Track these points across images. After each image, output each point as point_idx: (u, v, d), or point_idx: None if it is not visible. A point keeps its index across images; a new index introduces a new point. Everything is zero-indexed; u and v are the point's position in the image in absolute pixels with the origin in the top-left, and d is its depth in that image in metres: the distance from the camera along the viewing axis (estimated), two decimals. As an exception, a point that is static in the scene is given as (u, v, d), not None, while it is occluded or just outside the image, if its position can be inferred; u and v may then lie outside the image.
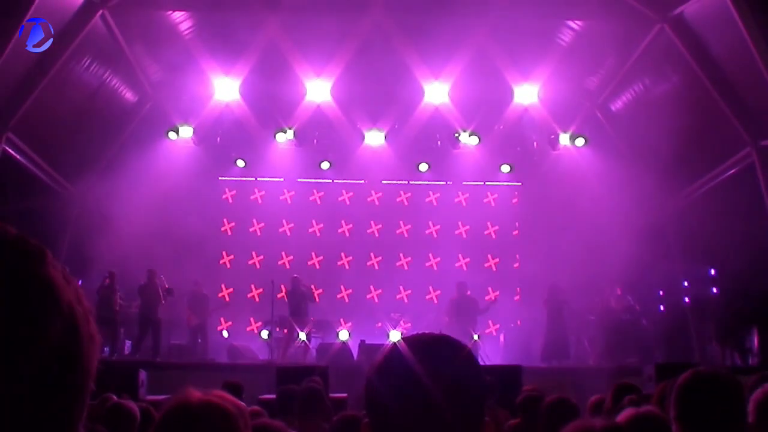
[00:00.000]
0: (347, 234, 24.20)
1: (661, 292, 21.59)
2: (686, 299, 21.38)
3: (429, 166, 23.30)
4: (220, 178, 23.83)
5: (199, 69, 20.93)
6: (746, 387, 4.30)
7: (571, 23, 20.45)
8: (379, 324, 21.02)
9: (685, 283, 21.47)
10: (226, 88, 21.51)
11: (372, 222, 24.31)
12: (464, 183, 24.06)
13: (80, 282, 1.22)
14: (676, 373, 3.94)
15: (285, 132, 22.03)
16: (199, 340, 20.28)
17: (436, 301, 22.85)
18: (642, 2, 18.28)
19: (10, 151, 17.57)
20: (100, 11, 17.85)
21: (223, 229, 23.85)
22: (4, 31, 15.20)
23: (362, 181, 23.95)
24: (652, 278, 20.55)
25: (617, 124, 22.45)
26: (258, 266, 23.69)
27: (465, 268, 23.74)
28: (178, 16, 20.04)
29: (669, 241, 21.26)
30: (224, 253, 23.70)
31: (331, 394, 12.15)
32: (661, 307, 21.67)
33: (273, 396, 12.40)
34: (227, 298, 22.82)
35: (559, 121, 22.34)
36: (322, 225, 24.17)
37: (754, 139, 17.84)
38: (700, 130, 19.51)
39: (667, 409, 3.93)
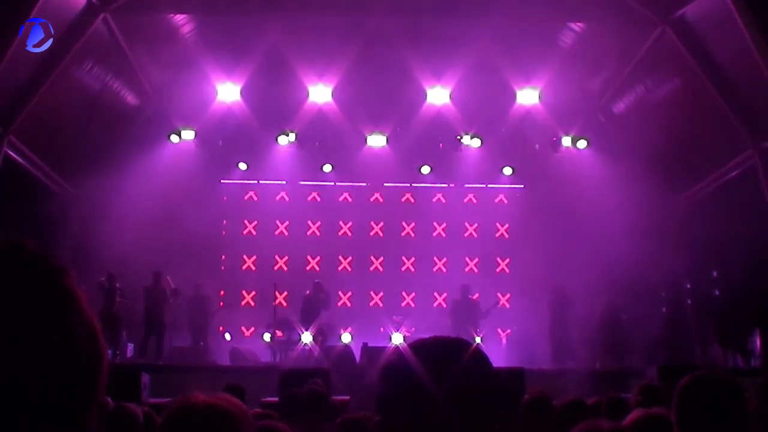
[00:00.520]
0: (349, 237, 24.21)
1: (663, 294, 21.58)
2: (688, 301, 21.37)
3: (431, 169, 23.29)
4: (222, 181, 23.82)
5: (201, 72, 20.94)
6: (749, 388, 4.30)
7: (572, 25, 20.43)
8: (382, 329, 21.01)
9: (687, 285, 21.46)
10: (228, 91, 21.53)
11: (375, 225, 24.31)
12: (466, 185, 24.05)
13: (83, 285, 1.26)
14: (679, 375, 3.95)
15: (287, 135, 22.05)
16: (201, 343, 20.28)
17: (445, 305, 22.76)
18: (644, 4, 18.26)
19: (12, 154, 17.57)
20: (102, 14, 17.84)
21: (225, 232, 23.87)
22: (6, 35, 15.21)
23: (364, 184, 23.94)
24: (654, 280, 20.52)
25: (619, 126, 22.45)
26: (260, 269, 23.66)
27: (476, 270, 23.78)
28: (180, 19, 20.04)
29: (671, 242, 21.23)
30: (226, 256, 23.70)
31: (334, 397, 12.15)
32: (663, 309, 21.65)
33: (275, 399, 12.43)
34: (221, 303, 22.82)
35: (561, 123, 22.33)
36: (324, 228, 24.18)
37: (756, 140, 17.82)
38: (701, 131, 19.54)
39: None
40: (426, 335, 2.10)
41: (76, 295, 1.19)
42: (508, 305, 23.20)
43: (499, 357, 20.70)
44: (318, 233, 24.20)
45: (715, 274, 20.30)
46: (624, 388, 12.61)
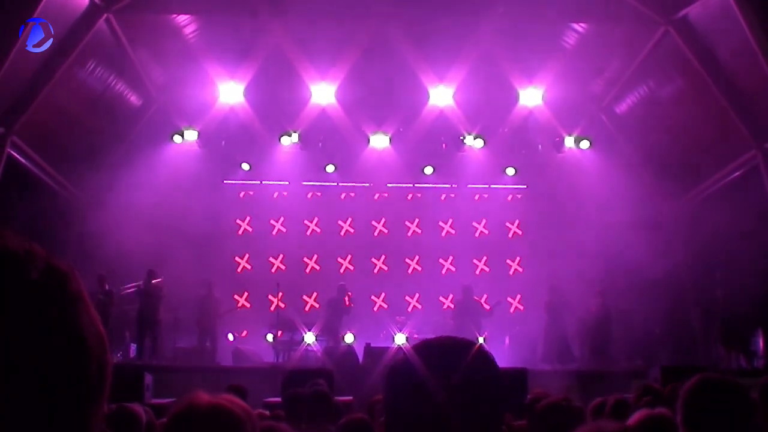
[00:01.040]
0: (352, 237, 24.17)
1: (665, 294, 21.55)
2: (691, 301, 21.35)
3: (434, 169, 23.28)
4: (225, 181, 23.80)
5: (204, 72, 20.97)
6: (752, 389, 4.30)
7: (575, 26, 20.44)
8: (383, 333, 20.99)
9: (690, 285, 21.44)
10: (230, 92, 21.52)
11: (377, 225, 24.30)
12: (469, 186, 24.01)
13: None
14: (682, 376, 3.95)
15: (290, 135, 22.06)
16: (208, 344, 20.21)
17: (448, 306, 22.70)
18: (646, 5, 18.26)
19: (14, 154, 17.59)
20: (105, 15, 17.86)
21: (228, 232, 23.82)
22: (9, 35, 15.23)
23: (367, 184, 23.91)
24: (656, 279, 20.50)
25: (622, 127, 22.44)
26: (262, 269, 23.66)
27: (479, 271, 23.70)
28: (182, 19, 20.05)
29: (674, 242, 21.22)
30: (229, 256, 23.69)
31: (337, 398, 12.15)
32: (666, 309, 21.63)
33: (278, 399, 12.42)
34: (236, 302, 22.81)
35: (563, 124, 22.33)
36: (327, 228, 24.15)
37: (759, 141, 17.83)
38: (704, 132, 19.53)
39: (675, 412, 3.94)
40: (429, 335, 2.10)
41: (83, 298, 1.20)
42: (514, 306, 23.17)
43: (502, 358, 20.72)
44: (321, 233, 24.15)
45: (718, 274, 20.26)
46: (626, 389, 12.60)
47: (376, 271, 23.96)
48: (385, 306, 23.21)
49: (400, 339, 19.98)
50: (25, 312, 1.11)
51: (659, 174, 21.76)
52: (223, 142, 22.83)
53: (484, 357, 1.93)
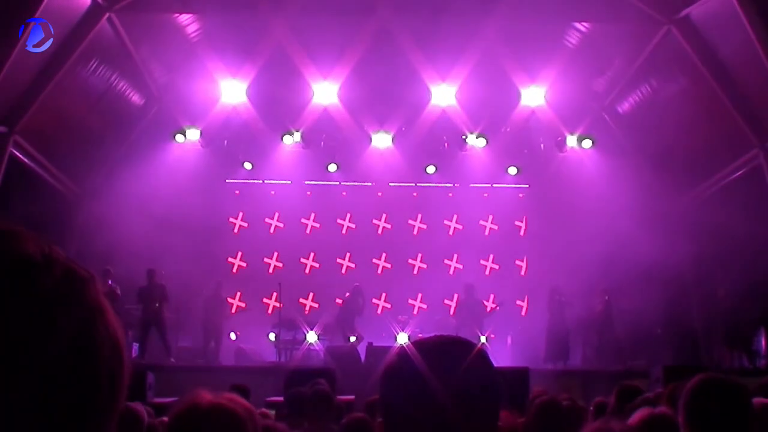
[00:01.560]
0: (354, 236, 24.15)
1: (667, 293, 21.55)
2: (693, 301, 21.34)
3: (436, 168, 23.28)
4: (227, 180, 23.80)
5: (206, 71, 20.96)
6: (754, 389, 4.30)
7: (578, 25, 20.43)
8: (387, 331, 20.99)
9: (692, 284, 21.42)
10: (233, 91, 21.51)
11: (380, 224, 24.30)
12: (471, 185, 23.99)
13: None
14: (684, 375, 3.95)
15: (292, 134, 22.05)
16: (213, 344, 20.19)
17: (455, 307, 22.65)
18: (649, 4, 18.25)
19: (17, 154, 17.60)
20: (107, 14, 17.87)
21: (230, 231, 23.83)
22: (11, 35, 15.23)
23: (369, 184, 23.89)
24: (658, 279, 20.49)
25: (624, 126, 22.43)
26: (265, 268, 23.67)
27: (480, 270, 23.62)
28: (184, 18, 20.06)
29: (676, 242, 21.21)
30: (231, 255, 23.70)
31: (339, 397, 12.15)
32: (668, 308, 21.62)
33: (280, 399, 12.43)
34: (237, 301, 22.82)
35: (566, 123, 22.29)
36: (329, 227, 24.13)
37: (762, 140, 17.82)
38: (707, 131, 19.52)
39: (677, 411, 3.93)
40: (431, 335, 2.10)
41: (101, 306, 1.19)
42: (525, 307, 23.14)
43: (504, 357, 20.72)
44: (323, 233, 24.13)
45: (720, 273, 20.26)
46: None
47: (379, 271, 23.93)
48: (389, 306, 23.19)
49: (402, 338, 19.97)
50: (35, 321, 1.10)
51: (661, 173, 21.75)
52: (226, 141, 22.84)
53: (478, 354, 1.94)
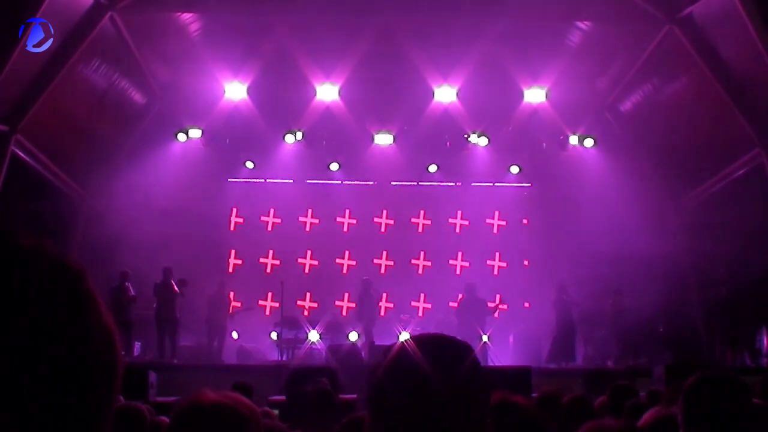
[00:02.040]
0: (356, 235, 24.13)
1: (670, 292, 21.55)
2: (695, 299, 21.34)
3: (438, 168, 23.27)
4: (229, 179, 23.80)
5: (208, 71, 20.97)
6: (756, 387, 4.30)
7: (580, 24, 20.42)
8: (389, 330, 20.97)
9: (694, 284, 21.42)
10: (235, 90, 21.55)
11: (381, 223, 24.29)
12: (473, 184, 23.98)
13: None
14: (686, 374, 3.95)
15: (294, 133, 22.07)
16: (215, 343, 20.18)
17: (457, 306, 22.64)
18: (650, 3, 18.25)
19: (19, 153, 17.60)
20: (109, 13, 17.88)
21: (232, 230, 23.83)
22: (13, 34, 15.23)
23: (371, 183, 23.89)
24: (660, 278, 20.49)
25: (626, 125, 22.43)
26: (269, 268, 23.67)
27: (481, 269, 23.56)
28: (187, 17, 20.06)
29: (678, 241, 21.21)
30: (233, 254, 23.69)
31: (341, 396, 12.15)
32: (670, 307, 21.62)
33: (283, 398, 12.44)
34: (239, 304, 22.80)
35: (568, 122, 22.31)
36: (331, 226, 24.11)
37: (764, 139, 17.80)
38: (709, 130, 19.51)
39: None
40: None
41: (95, 298, 1.19)
42: (523, 306, 23.11)
43: (506, 356, 20.72)
44: (325, 232, 24.11)
45: (722, 272, 20.25)
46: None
47: (382, 270, 23.90)
48: (391, 305, 23.16)
49: (404, 337, 19.93)
50: (30, 312, 1.10)
51: (663, 172, 21.76)
52: (227, 140, 22.84)
53: (464, 353, 1.96)
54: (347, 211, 24.25)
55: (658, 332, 20.98)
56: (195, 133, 22.10)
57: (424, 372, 1.86)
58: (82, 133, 19.65)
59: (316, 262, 23.97)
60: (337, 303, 23.18)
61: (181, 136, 22.02)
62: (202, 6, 19.43)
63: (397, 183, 23.87)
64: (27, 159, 18.07)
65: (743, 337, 19.34)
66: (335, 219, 24.19)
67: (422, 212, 24.46)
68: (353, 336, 20.22)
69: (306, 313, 22.53)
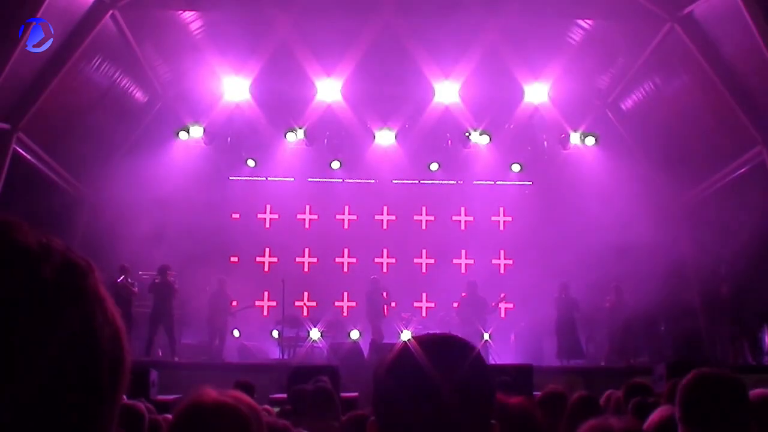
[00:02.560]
0: (358, 233, 24.10)
1: (671, 290, 21.55)
2: (697, 297, 21.33)
3: (439, 166, 23.27)
4: (230, 177, 23.80)
5: (210, 68, 20.98)
6: (757, 385, 4.30)
7: (581, 22, 20.42)
8: (391, 328, 20.97)
9: (696, 281, 21.41)
10: (236, 88, 21.56)
11: (383, 221, 24.28)
12: (475, 182, 23.96)
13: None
14: (687, 372, 3.95)
15: (295, 132, 22.07)
16: (217, 342, 20.17)
17: (458, 304, 22.61)
18: (652, 1, 18.25)
19: (20, 151, 17.60)
20: (111, 11, 17.88)
21: (233, 228, 23.80)
22: (14, 32, 15.23)
23: (373, 181, 23.88)
24: (661, 276, 20.49)
25: (627, 123, 22.42)
26: (269, 266, 23.67)
27: (483, 267, 23.51)
28: (188, 15, 20.06)
29: (679, 239, 21.21)
30: (234, 252, 23.67)
31: (342, 394, 12.16)
32: (672, 305, 21.62)
33: (284, 396, 12.44)
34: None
35: (569, 120, 22.32)
36: (332, 224, 24.10)
37: (765, 137, 17.79)
38: (710, 128, 19.51)
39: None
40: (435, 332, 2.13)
41: (101, 295, 1.18)
42: (524, 303, 23.10)
43: (507, 354, 20.72)
44: (326, 230, 24.09)
45: (724, 270, 20.25)
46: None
47: (381, 265, 23.89)
48: (393, 304, 23.12)
49: (406, 335, 19.96)
50: (34, 312, 1.09)
51: (664, 170, 21.74)
52: (229, 139, 22.84)
53: (471, 353, 1.95)
54: (347, 208, 24.23)
55: (660, 330, 20.98)
56: (196, 131, 22.09)
57: (428, 373, 1.86)
58: (83, 131, 19.63)
59: (315, 260, 23.94)
60: (337, 303, 23.14)
61: (183, 134, 22.01)
62: (204, 4, 19.42)
63: (399, 181, 23.86)
64: (28, 157, 18.07)
65: (745, 334, 19.34)
66: (335, 216, 24.17)
67: (424, 209, 24.43)
68: (354, 334, 20.23)
69: (305, 312, 22.52)
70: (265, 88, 21.71)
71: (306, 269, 23.81)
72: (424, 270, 23.98)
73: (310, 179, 23.85)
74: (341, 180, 23.90)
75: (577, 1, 18.96)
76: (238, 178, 23.83)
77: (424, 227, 24.38)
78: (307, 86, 21.46)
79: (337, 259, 23.96)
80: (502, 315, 21.32)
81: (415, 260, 24.08)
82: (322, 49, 20.26)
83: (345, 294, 23.22)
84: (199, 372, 16.89)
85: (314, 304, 23.04)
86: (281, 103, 22.05)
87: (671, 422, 4.11)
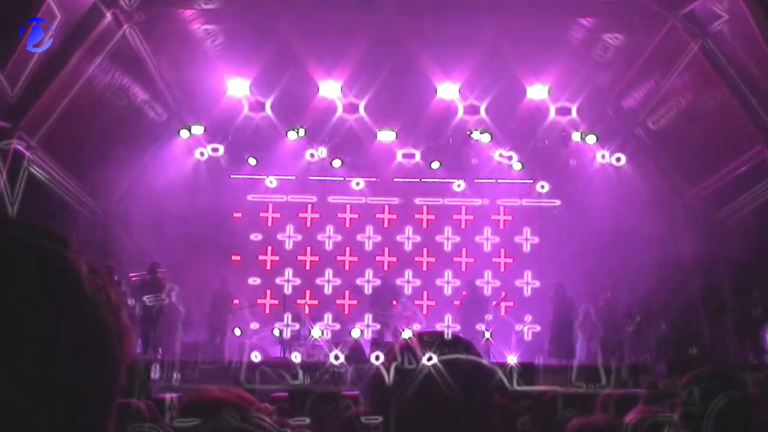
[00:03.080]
0: (359, 233, 24.11)
1: (671, 289, 21.56)
2: (699, 296, 21.32)
3: (441, 165, 23.25)
4: (231, 176, 23.78)
5: (212, 67, 20.97)
6: (759, 384, 4.30)
7: (582, 21, 20.40)
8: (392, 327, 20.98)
9: (697, 280, 21.41)
10: (238, 87, 21.56)
11: (384, 220, 24.27)
12: (476, 181, 23.95)
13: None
14: (689, 371, 3.95)
15: (297, 130, 22.07)
16: (218, 340, 20.17)
17: (460, 303, 22.60)
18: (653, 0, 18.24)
19: (21, 150, 17.57)
20: (112, 10, 17.87)
21: (235, 227, 23.78)
22: (16, 31, 15.23)
23: (374, 180, 23.88)
24: (662, 275, 20.49)
25: (628, 122, 22.41)
26: (271, 265, 23.68)
27: (484, 266, 23.52)
28: (190, 14, 20.04)
29: (680, 237, 21.21)
30: (236, 251, 23.65)
31: (344, 392, 12.17)
32: (674, 304, 21.63)
33: (284, 394, 12.45)
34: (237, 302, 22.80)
35: (570, 119, 22.30)
36: (332, 223, 24.09)
37: (766, 136, 17.78)
38: (711, 127, 19.49)
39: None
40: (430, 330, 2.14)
41: (121, 306, 1.22)
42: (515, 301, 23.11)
43: (509, 352, 20.72)
44: (326, 229, 24.09)
45: (725, 269, 20.24)
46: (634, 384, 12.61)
47: (386, 268, 23.86)
48: (394, 303, 23.13)
49: (407, 334, 19.96)
50: (44, 308, 1.11)
51: (665, 169, 21.74)
52: (230, 137, 22.83)
53: (471, 351, 1.96)
54: (348, 206, 24.21)
55: (661, 328, 20.97)
56: (197, 130, 22.09)
57: (432, 370, 1.87)
58: (84, 131, 19.62)
59: (316, 258, 23.92)
60: (338, 301, 23.15)
61: (184, 133, 22.00)
62: (206, 3, 19.41)
63: (400, 180, 23.84)
64: (29, 155, 18.05)
65: (747, 333, 19.34)
66: (337, 215, 24.14)
67: (425, 207, 24.41)
68: (356, 333, 20.23)
69: (307, 310, 22.52)
70: (266, 87, 21.71)
71: (308, 268, 23.79)
72: (425, 268, 23.92)
73: (311, 177, 23.82)
74: (342, 178, 23.88)
75: (578, 0, 18.96)
76: (240, 176, 23.80)
77: (425, 226, 24.35)
78: (308, 85, 21.46)
79: (339, 258, 23.94)
80: (503, 313, 21.27)
81: (416, 259, 24.05)
82: (324, 48, 20.28)
83: (346, 292, 23.19)
84: (200, 370, 16.87)
85: (316, 302, 23.03)
86: (283, 101, 22.04)
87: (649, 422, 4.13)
